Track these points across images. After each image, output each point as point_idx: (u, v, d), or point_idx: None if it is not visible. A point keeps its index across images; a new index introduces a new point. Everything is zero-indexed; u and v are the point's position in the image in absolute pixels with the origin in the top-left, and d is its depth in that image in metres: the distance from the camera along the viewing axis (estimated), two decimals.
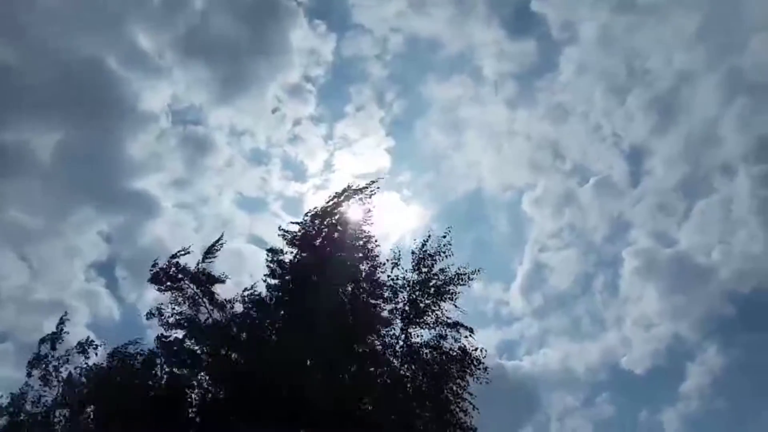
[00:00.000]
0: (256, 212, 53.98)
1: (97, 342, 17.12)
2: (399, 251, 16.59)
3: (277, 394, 14.44)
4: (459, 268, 16.29)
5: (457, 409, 15.10)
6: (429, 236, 16.55)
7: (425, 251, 16.45)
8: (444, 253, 16.38)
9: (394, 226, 17.86)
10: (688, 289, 51.69)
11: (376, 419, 14.64)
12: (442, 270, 16.35)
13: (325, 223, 16.54)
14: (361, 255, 16.28)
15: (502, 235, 62.88)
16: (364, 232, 16.46)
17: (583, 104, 59.53)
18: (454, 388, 15.32)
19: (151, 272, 16.70)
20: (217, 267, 17.14)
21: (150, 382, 16.24)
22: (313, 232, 16.52)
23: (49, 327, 17.77)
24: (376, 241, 16.46)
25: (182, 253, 17.02)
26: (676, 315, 52.66)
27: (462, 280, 16.22)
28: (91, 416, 16.33)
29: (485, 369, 15.46)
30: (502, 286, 58.65)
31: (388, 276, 16.22)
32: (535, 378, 48.69)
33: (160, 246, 47.27)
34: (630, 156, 58.48)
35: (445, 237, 16.56)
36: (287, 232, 16.70)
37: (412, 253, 16.51)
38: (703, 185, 57.01)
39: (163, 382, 16.24)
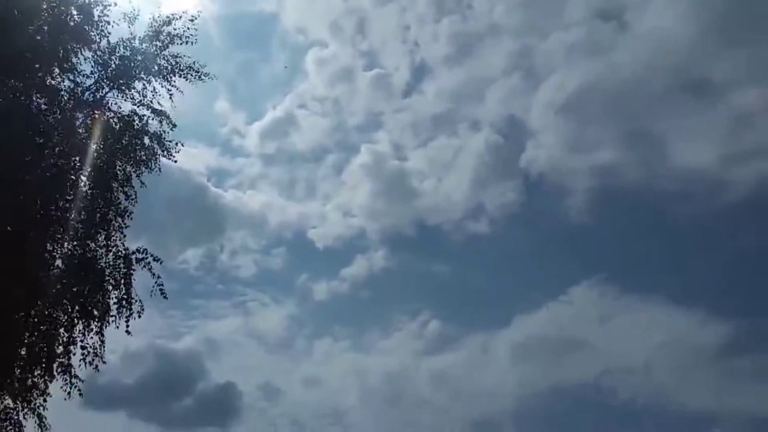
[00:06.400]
0: None
1: None
2: (138, 9, 14.21)
3: None
4: (195, 62, 14.58)
5: (122, 192, 13.84)
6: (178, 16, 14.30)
7: (169, 20, 14.29)
8: (188, 38, 14.43)
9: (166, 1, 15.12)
10: (392, 201, 58.27)
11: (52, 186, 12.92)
12: (177, 54, 14.47)
13: None
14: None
15: (272, 73, 61.91)
16: None
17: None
18: (128, 170, 13.98)
19: None
20: None
21: None
22: None
23: None
24: None
25: None
26: (371, 215, 58.88)
27: (192, 75, 14.58)
28: None
29: (173, 160, 14.49)
30: (246, 118, 58.63)
31: (107, 23, 13.73)
32: (229, 211, 51.57)
33: None
34: (416, 69, 61.59)
35: (193, 20, 14.46)
36: None
37: (153, 19, 14.28)
38: (451, 127, 63.77)
39: None
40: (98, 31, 13.81)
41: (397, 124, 61.96)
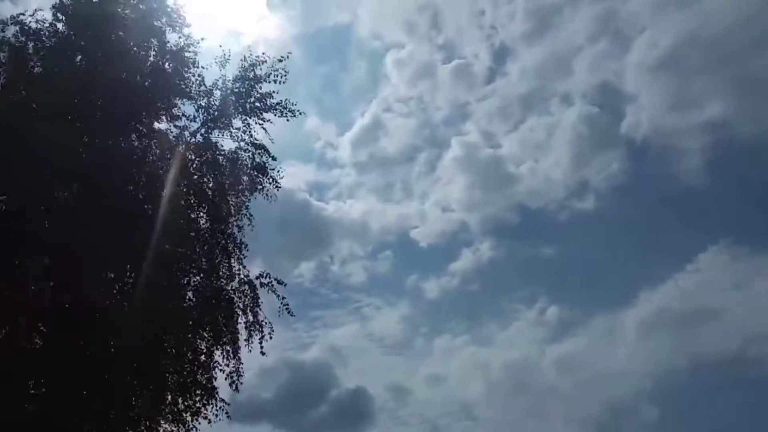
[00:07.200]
0: None
1: None
2: (228, 51, 15.18)
3: None
4: (285, 100, 15.30)
5: (234, 224, 14.79)
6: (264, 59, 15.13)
7: (256, 62, 15.13)
8: (276, 78, 15.16)
9: (248, 31, 16.11)
10: (490, 190, 55.95)
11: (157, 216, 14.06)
12: (267, 93, 15.23)
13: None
14: (166, 45, 14.63)
15: (355, 81, 62.64)
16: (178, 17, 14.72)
17: None
18: (236, 201, 14.93)
19: None
20: None
21: None
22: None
23: None
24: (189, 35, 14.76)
25: None
26: (471, 207, 57.18)
27: (283, 112, 15.30)
28: None
29: (277, 187, 15.20)
30: (336, 130, 59.72)
31: (202, 67, 14.84)
32: (333, 222, 52.59)
33: None
34: (496, 53, 58.21)
35: (281, 61, 15.19)
36: None
37: (243, 59, 15.18)
38: (541, 105, 58.49)
39: None
40: (195, 77, 14.89)
41: (485, 112, 61.03)
